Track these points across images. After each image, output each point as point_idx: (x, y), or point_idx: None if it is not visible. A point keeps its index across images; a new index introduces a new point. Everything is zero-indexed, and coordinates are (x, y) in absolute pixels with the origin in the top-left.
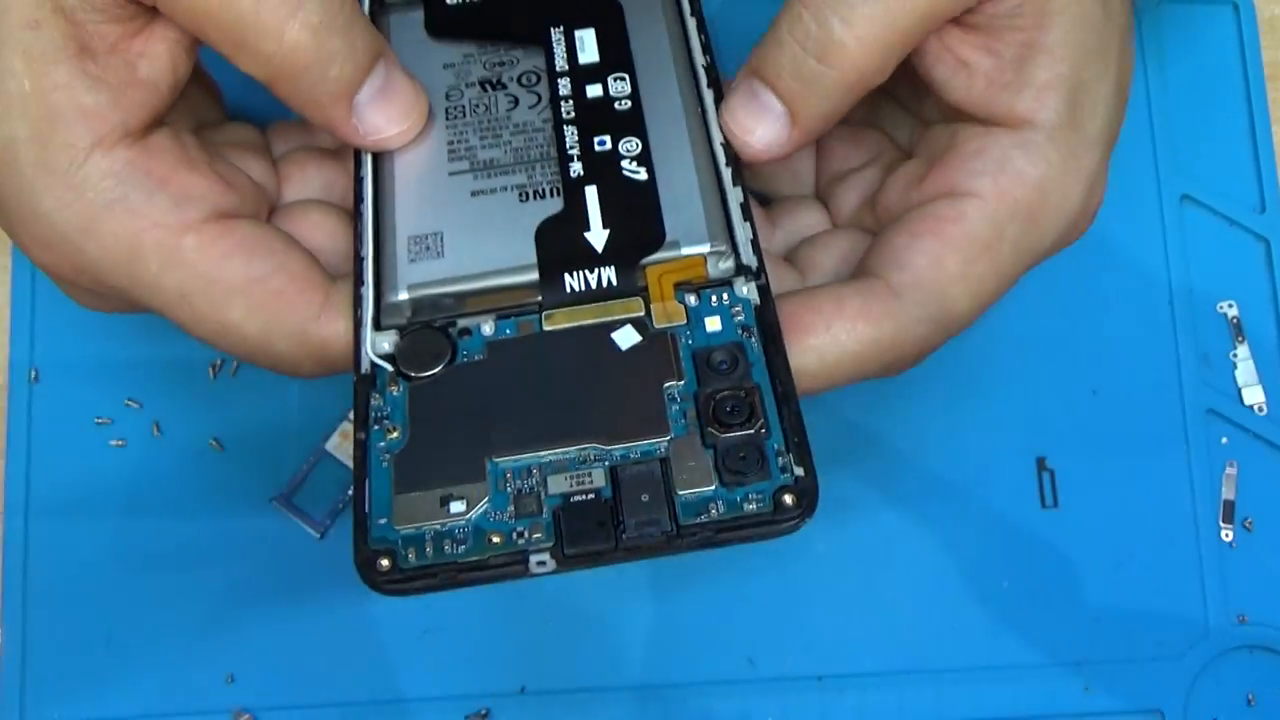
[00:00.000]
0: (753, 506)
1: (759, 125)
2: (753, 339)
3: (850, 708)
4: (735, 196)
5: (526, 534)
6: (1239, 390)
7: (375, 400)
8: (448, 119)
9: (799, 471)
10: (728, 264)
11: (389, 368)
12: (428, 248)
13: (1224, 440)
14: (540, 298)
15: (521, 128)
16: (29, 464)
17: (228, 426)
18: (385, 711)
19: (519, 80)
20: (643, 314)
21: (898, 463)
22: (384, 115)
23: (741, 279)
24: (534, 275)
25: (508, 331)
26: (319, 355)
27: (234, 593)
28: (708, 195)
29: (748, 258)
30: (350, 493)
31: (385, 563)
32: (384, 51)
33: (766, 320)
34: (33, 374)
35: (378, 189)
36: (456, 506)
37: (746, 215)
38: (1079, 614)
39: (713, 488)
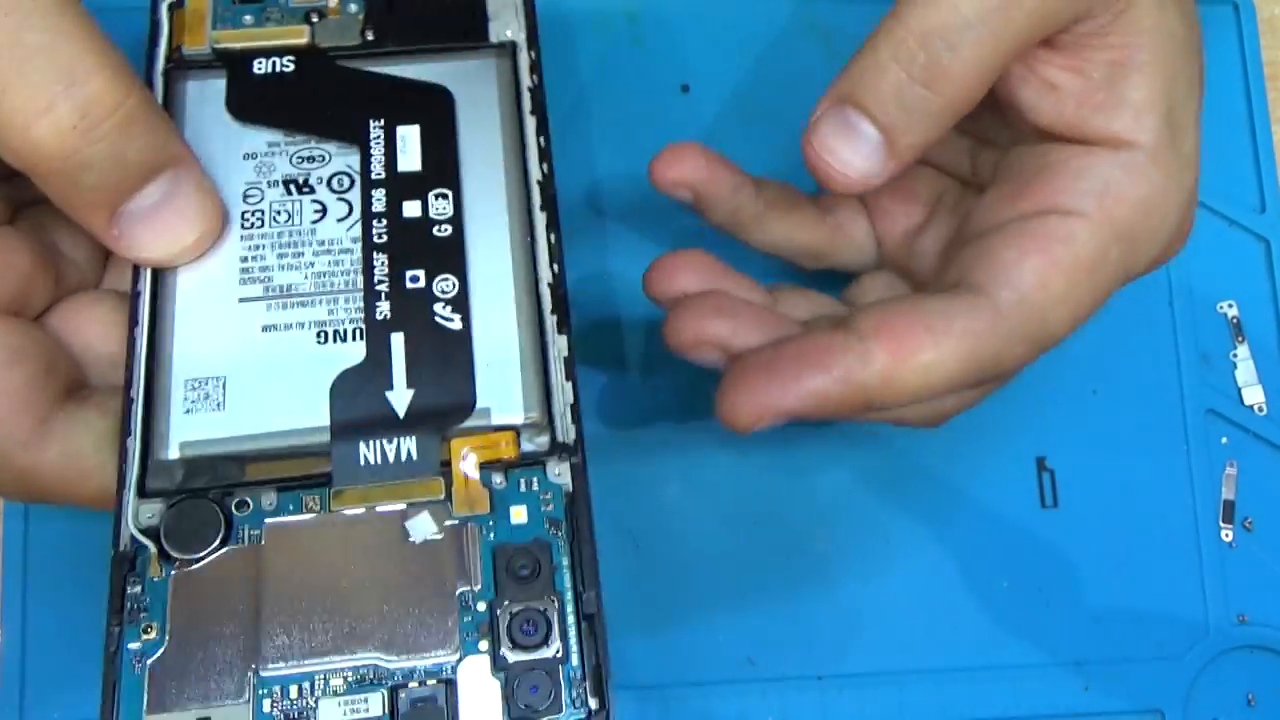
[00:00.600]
0: None
1: (855, 154)
2: (560, 535)
3: (850, 708)
4: (559, 349)
5: None
6: (1239, 390)
7: (133, 587)
8: (244, 227)
9: (593, 705)
10: (542, 439)
11: (151, 547)
12: (207, 395)
13: (1224, 440)
14: (331, 469)
15: (326, 246)
16: None
17: None
18: None
19: (329, 184)
20: (443, 497)
21: (898, 463)
22: (152, 234)
23: (555, 458)
24: (326, 439)
25: (290, 508)
26: (20, 483)
27: None
28: (527, 350)
29: (564, 432)
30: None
31: None
32: (174, 161)
33: (578, 512)
34: None
35: (155, 312)
36: None
37: (570, 374)
38: (1079, 614)
39: (497, 716)
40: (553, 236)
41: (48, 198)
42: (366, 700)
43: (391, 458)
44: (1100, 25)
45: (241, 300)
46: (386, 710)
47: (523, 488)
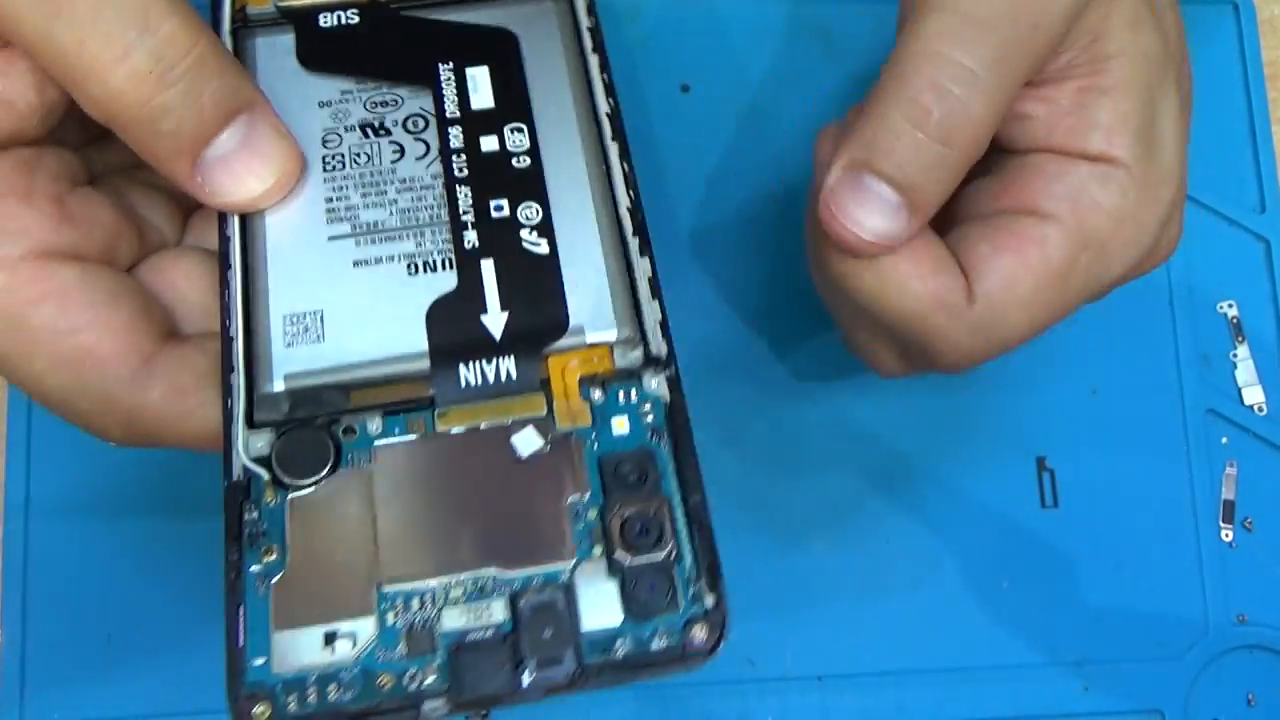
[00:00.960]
0: (661, 643)
1: (876, 218)
2: (662, 443)
3: (850, 708)
4: (643, 270)
5: (419, 677)
6: (1239, 390)
7: (250, 514)
8: (325, 170)
9: (709, 602)
10: (636, 354)
11: (265, 474)
12: (306, 329)
13: (1224, 440)
14: (433, 392)
15: (408, 184)
16: (29, 464)
17: None
18: None
19: (404, 125)
20: (544, 414)
21: (898, 463)
22: (233, 177)
23: (650, 371)
24: (426, 365)
25: (396, 431)
26: (126, 424)
27: None
28: (613, 271)
29: (657, 346)
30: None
31: (263, 710)
32: (248, 105)
33: (677, 422)
34: None
35: (247, 253)
36: (342, 646)
37: (655, 292)
38: (1079, 614)
39: (618, 622)
40: (626, 165)
41: (123, 167)
42: (489, 608)
43: (491, 378)
44: (1067, 59)
45: (330, 239)
46: (509, 616)
47: (622, 400)
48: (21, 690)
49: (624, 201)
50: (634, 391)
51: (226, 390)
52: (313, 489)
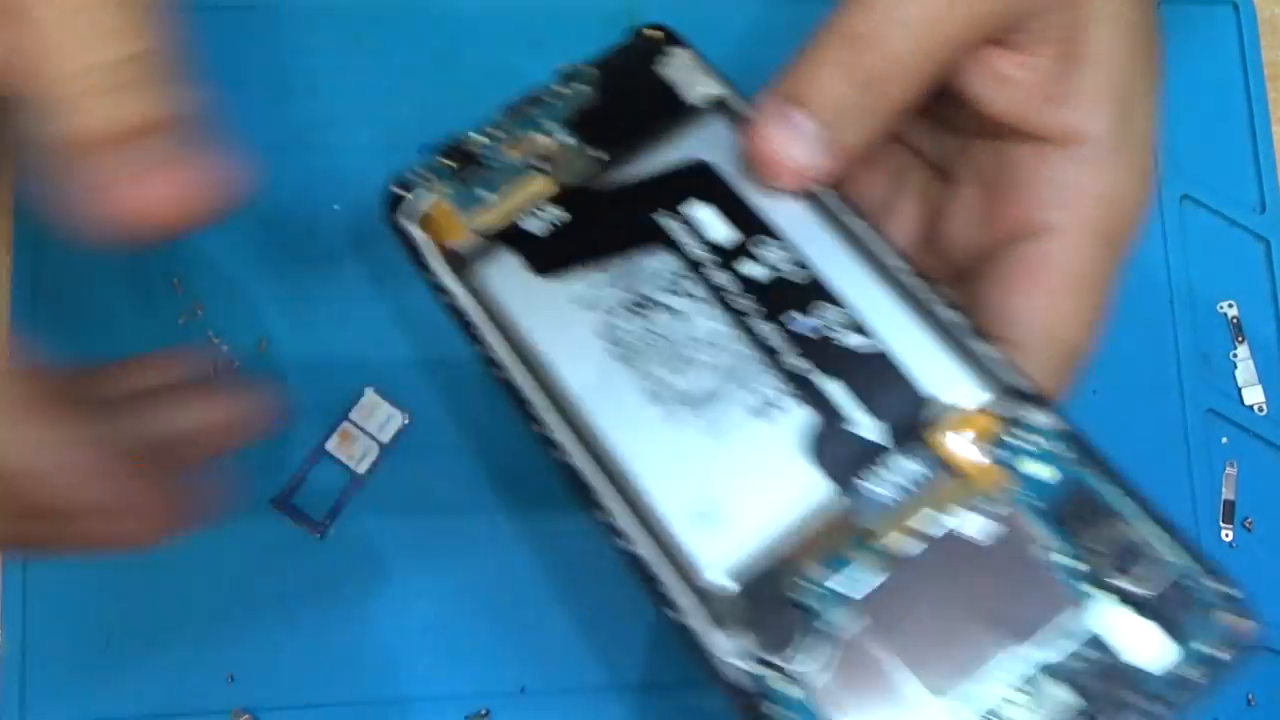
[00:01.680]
0: (1219, 652)
1: (796, 148)
2: (1086, 469)
3: None
4: (956, 321)
5: None
6: (1239, 390)
7: (772, 709)
8: (624, 363)
9: (1227, 589)
10: (1003, 398)
11: (767, 672)
12: (704, 515)
13: (1224, 440)
14: (863, 524)
15: (703, 339)
16: None
17: None
18: (385, 711)
19: (666, 288)
20: (967, 494)
21: None
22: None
23: (1030, 406)
24: (839, 499)
25: (849, 572)
26: None
27: (234, 593)
28: (934, 332)
29: (1016, 380)
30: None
31: None
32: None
33: (1081, 440)
34: None
35: (603, 463)
36: None
37: (981, 333)
38: None
39: (1176, 653)
40: (874, 230)
41: None
42: (1047, 690)
43: (901, 481)
44: (1052, 21)
45: (666, 422)
46: (1070, 690)
47: (1024, 446)
48: (21, 690)
49: (900, 267)
50: (1029, 434)
51: (665, 602)
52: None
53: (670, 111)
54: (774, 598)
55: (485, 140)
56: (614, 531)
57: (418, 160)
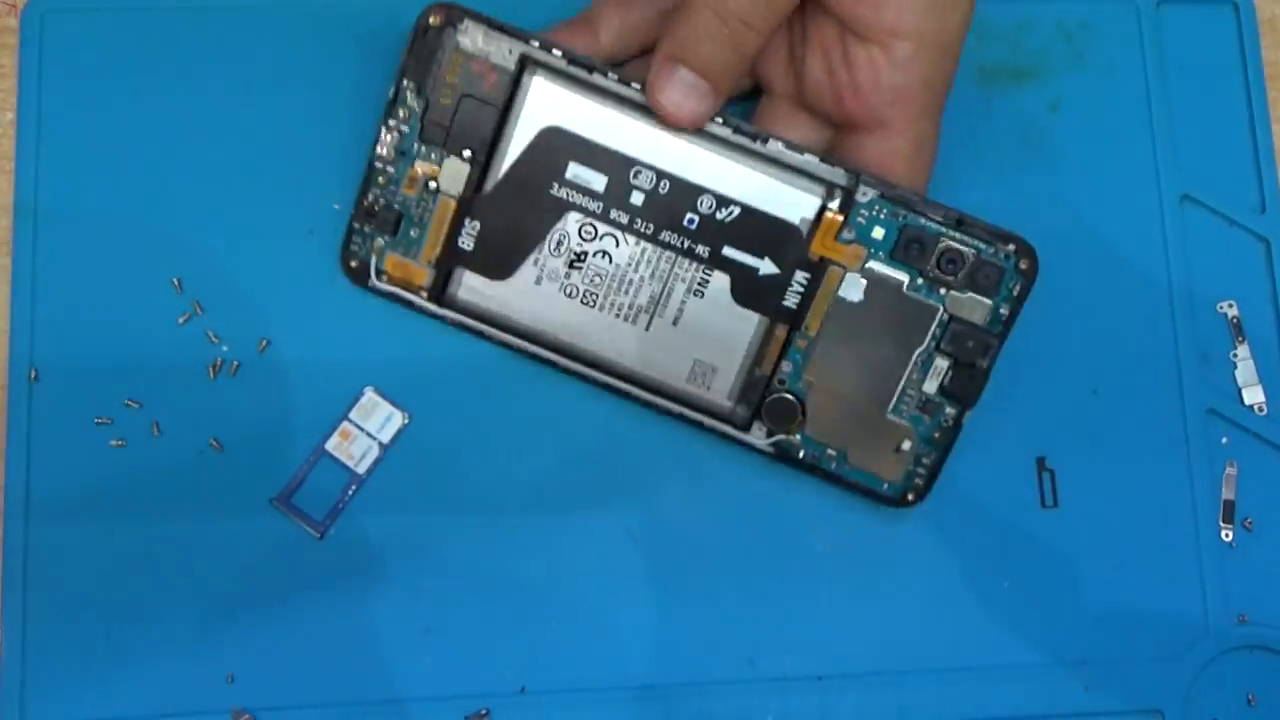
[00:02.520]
0: (1016, 288)
1: (688, 99)
2: (904, 216)
3: (850, 708)
4: (779, 151)
5: None
6: (1239, 390)
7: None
8: (592, 304)
9: (1009, 245)
10: (833, 195)
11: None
12: (695, 372)
13: (1224, 440)
14: (791, 323)
15: (634, 262)
16: (29, 464)
17: (228, 426)
18: (385, 711)
19: (590, 240)
20: (845, 271)
21: None
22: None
23: (854, 190)
24: (770, 320)
25: (794, 357)
26: None
27: (234, 593)
28: (769, 171)
29: (837, 177)
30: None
31: None
32: None
33: (893, 196)
34: (33, 374)
35: (616, 374)
36: None
37: (794, 146)
38: (1079, 614)
39: (992, 303)
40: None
41: None
42: (934, 364)
43: (801, 287)
44: None
45: (638, 328)
46: (943, 356)
47: (863, 220)
48: (21, 690)
49: (725, 135)
50: (860, 211)
51: (702, 426)
52: None
53: (496, 86)
54: (760, 397)
55: (381, 188)
56: (658, 408)
57: (350, 229)
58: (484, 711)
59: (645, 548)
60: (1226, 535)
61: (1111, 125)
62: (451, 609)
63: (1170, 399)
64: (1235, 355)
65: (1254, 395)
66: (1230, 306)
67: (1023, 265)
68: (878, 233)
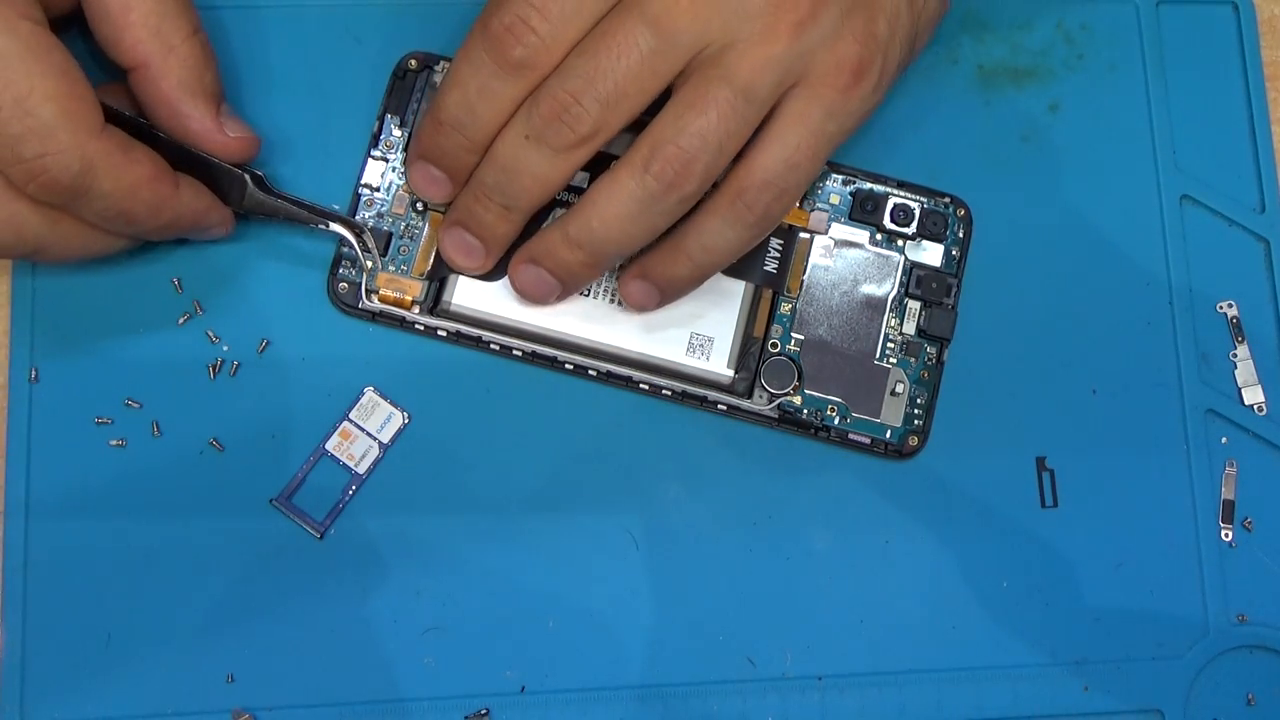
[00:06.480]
0: (960, 233)
1: (470, 259)
2: (857, 182)
3: (850, 708)
4: None
5: None
6: (1239, 390)
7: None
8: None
9: (945, 197)
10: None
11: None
12: (691, 345)
13: (1224, 440)
14: (775, 289)
15: None
16: (29, 464)
17: (228, 426)
18: (385, 711)
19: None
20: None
21: (898, 463)
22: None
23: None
24: (755, 288)
25: (782, 321)
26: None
27: (234, 593)
28: None
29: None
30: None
31: None
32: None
33: (849, 169)
34: (33, 374)
35: (613, 358)
36: None
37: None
38: (1079, 614)
39: (944, 248)
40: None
41: None
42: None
43: (777, 253)
44: None
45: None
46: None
47: (819, 190)
48: (21, 690)
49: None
50: (818, 185)
51: (705, 401)
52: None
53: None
54: (757, 361)
55: (374, 212)
56: (661, 391)
57: (338, 256)
58: (484, 711)
59: (645, 548)
60: (1226, 535)
61: (1111, 126)
62: (451, 609)
63: (1170, 399)
64: (1235, 355)
65: (1254, 395)
66: (1230, 306)
67: (960, 213)
68: (834, 199)
